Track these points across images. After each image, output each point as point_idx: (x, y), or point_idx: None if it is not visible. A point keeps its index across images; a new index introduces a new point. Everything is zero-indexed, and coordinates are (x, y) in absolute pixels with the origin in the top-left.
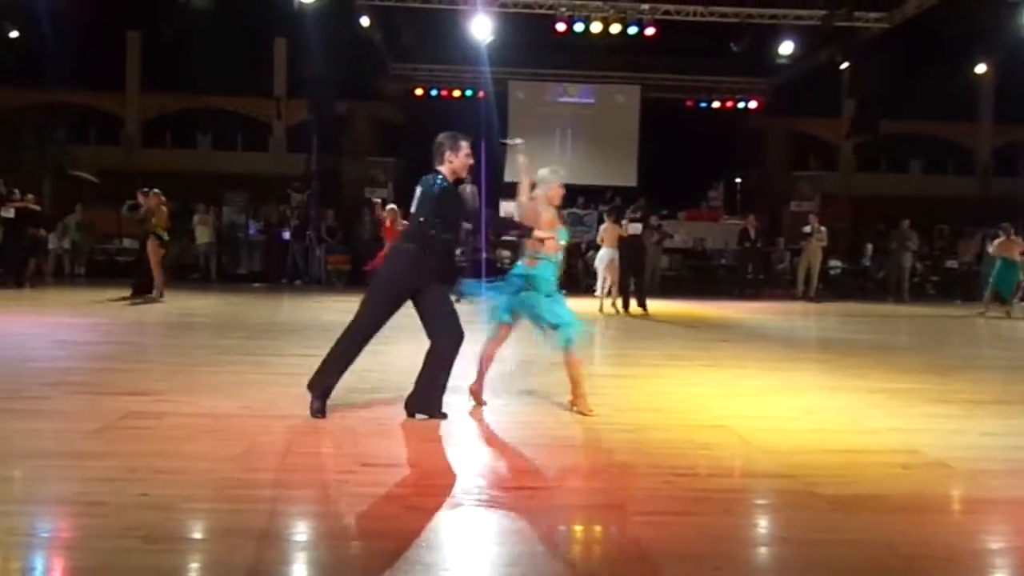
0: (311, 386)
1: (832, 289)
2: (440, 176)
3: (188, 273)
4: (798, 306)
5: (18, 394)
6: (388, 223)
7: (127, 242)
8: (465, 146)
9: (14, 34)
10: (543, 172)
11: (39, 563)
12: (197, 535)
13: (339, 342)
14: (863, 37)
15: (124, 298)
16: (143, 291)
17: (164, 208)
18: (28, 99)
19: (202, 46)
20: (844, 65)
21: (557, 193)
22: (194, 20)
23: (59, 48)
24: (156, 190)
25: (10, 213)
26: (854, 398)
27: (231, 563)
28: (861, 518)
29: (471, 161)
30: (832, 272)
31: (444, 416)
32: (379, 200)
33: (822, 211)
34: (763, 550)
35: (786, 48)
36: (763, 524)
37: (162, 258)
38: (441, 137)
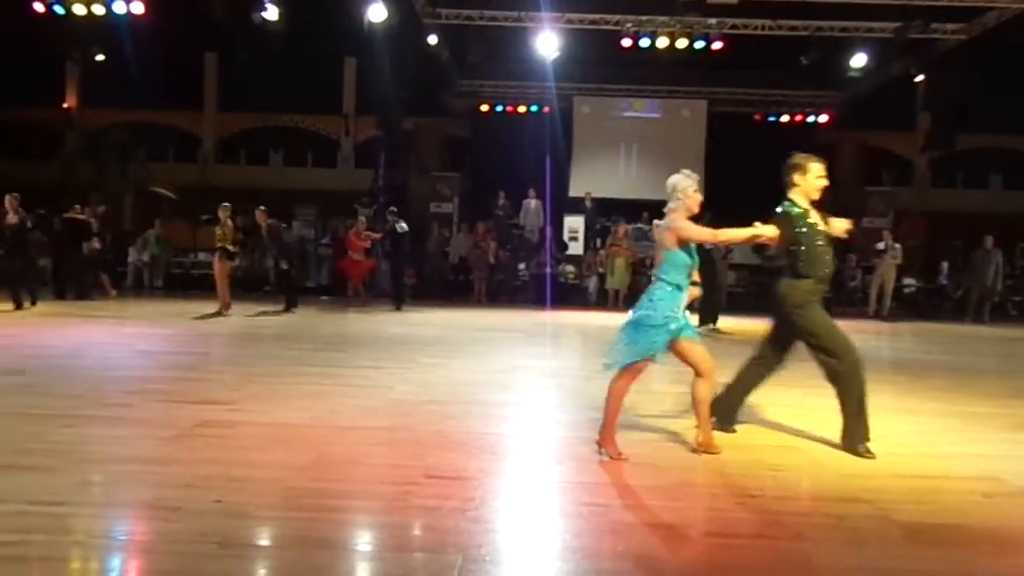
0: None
1: (906, 308)
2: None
3: (260, 286)
4: (870, 325)
5: (101, 402)
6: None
7: (202, 255)
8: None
9: (100, 58)
10: (675, 179)
11: (117, 565)
12: (267, 542)
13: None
14: (939, 49)
15: (278, 311)
16: (293, 304)
17: (231, 223)
18: (112, 119)
19: (275, 67)
20: (919, 78)
21: (695, 199)
22: (267, 42)
23: (141, 70)
24: (225, 204)
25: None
26: (930, 421)
27: (299, 570)
28: (939, 549)
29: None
30: (906, 290)
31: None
32: (363, 219)
33: (896, 228)
34: None
35: (858, 60)
36: (836, 551)
37: (230, 273)
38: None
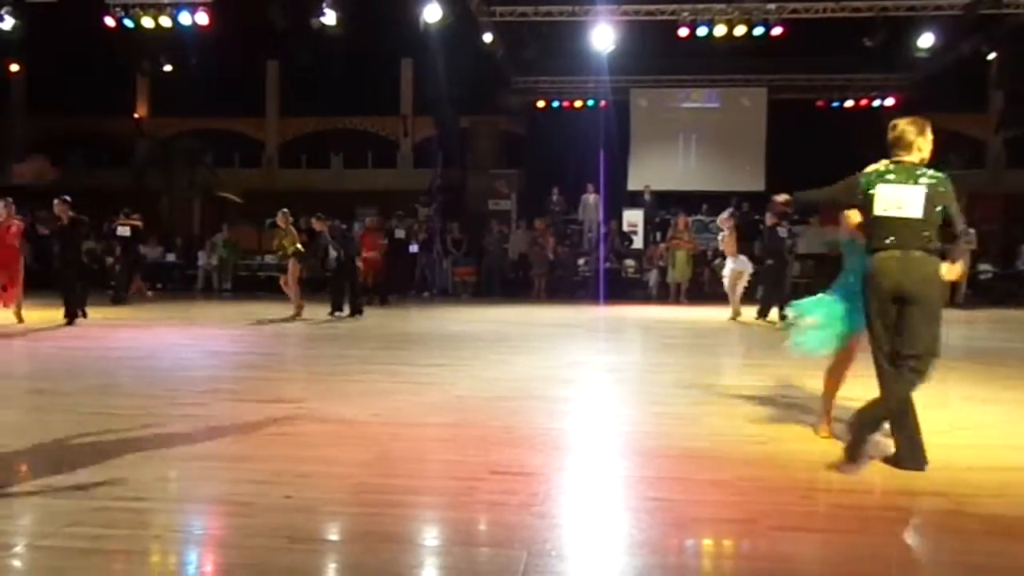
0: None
1: (981, 295)
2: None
3: (323, 287)
4: (945, 313)
5: (176, 400)
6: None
7: (268, 258)
8: None
9: (168, 68)
10: None
11: (193, 559)
12: (335, 537)
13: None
14: (1011, 25)
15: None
16: (337, 307)
17: (292, 228)
18: (180, 127)
19: (334, 71)
20: (991, 56)
21: None
22: (326, 47)
23: (207, 79)
24: (284, 210)
25: (126, 231)
26: (1008, 411)
27: (367, 565)
28: (1019, 543)
29: None
30: (981, 276)
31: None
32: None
33: (970, 212)
34: (909, 572)
35: (926, 41)
36: (909, 544)
37: (300, 276)
38: None
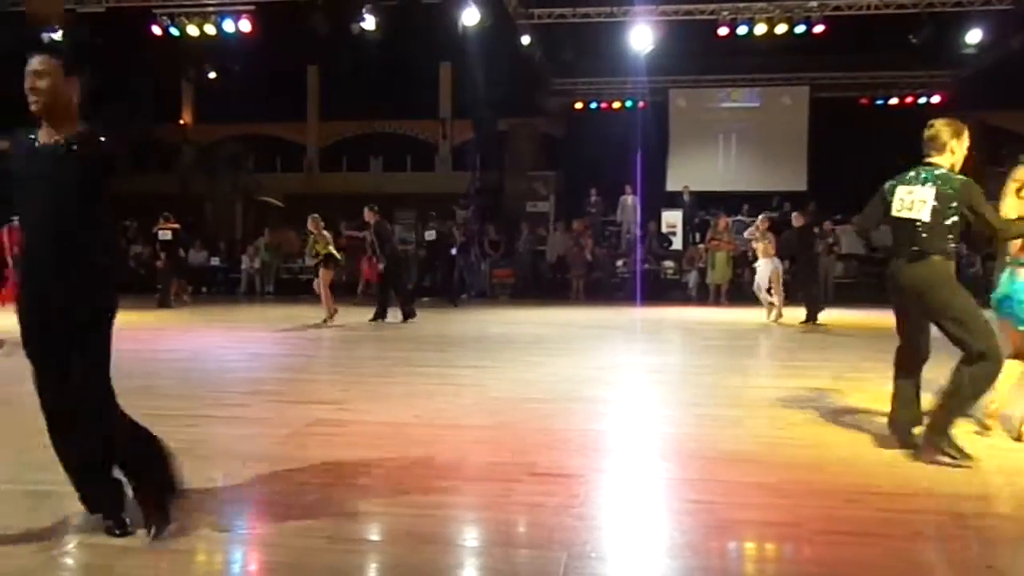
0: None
1: None
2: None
3: (355, 290)
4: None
5: (220, 401)
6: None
7: (310, 261)
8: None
9: (212, 75)
10: None
11: (238, 557)
12: (376, 537)
13: None
14: None
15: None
16: (381, 315)
17: (326, 232)
18: (223, 132)
19: (373, 75)
20: None
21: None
22: (366, 51)
23: (250, 86)
24: (314, 215)
25: (167, 235)
26: None
27: (407, 565)
28: None
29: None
30: None
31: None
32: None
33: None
34: None
35: (973, 36)
36: (959, 549)
37: (332, 281)
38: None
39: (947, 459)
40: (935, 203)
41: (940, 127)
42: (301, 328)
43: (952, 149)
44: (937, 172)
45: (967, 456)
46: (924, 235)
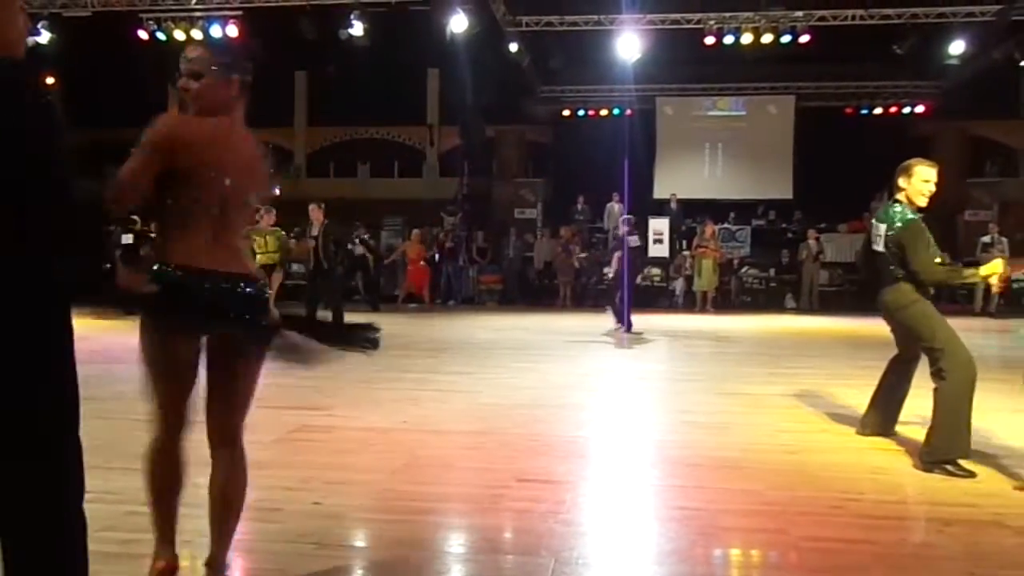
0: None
1: (1014, 304)
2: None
3: (351, 295)
4: (976, 323)
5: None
6: None
7: (295, 266)
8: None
9: None
10: None
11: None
12: (362, 543)
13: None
14: None
15: None
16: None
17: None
18: None
19: (361, 81)
20: None
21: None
22: (353, 57)
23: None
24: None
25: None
26: None
27: (393, 571)
28: None
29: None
30: (1016, 286)
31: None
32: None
33: (1002, 220)
34: None
35: (956, 47)
36: (942, 555)
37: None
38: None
39: (940, 472)
40: (887, 235)
41: (897, 169)
42: None
43: (900, 186)
44: (891, 209)
45: (968, 472)
46: (887, 264)
